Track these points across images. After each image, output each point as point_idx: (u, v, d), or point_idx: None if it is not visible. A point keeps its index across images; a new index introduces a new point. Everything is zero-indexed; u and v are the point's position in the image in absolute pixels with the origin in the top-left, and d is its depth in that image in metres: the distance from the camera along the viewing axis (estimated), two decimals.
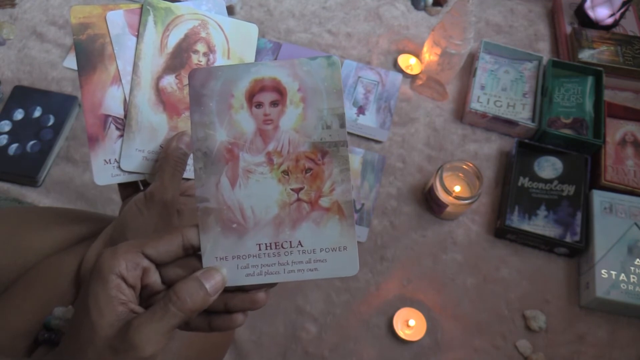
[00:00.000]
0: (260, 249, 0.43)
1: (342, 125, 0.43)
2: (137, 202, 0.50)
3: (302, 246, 0.43)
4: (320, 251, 0.43)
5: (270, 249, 0.43)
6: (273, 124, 0.43)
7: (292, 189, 0.43)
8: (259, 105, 0.43)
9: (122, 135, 0.54)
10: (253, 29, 0.58)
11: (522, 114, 1.15)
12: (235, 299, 0.42)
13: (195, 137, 0.43)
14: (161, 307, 0.38)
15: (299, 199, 0.43)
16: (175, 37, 0.55)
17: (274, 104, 0.43)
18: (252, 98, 0.43)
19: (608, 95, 1.21)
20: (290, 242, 0.43)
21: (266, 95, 0.43)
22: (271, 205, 0.43)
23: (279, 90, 0.43)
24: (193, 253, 0.42)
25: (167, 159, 0.52)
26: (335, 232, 0.43)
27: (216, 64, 0.56)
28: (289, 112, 0.43)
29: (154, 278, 0.41)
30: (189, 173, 0.55)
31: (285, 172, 0.43)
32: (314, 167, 0.43)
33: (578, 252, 1.00)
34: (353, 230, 0.43)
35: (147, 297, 0.41)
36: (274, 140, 0.43)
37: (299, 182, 0.43)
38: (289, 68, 0.43)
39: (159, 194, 0.50)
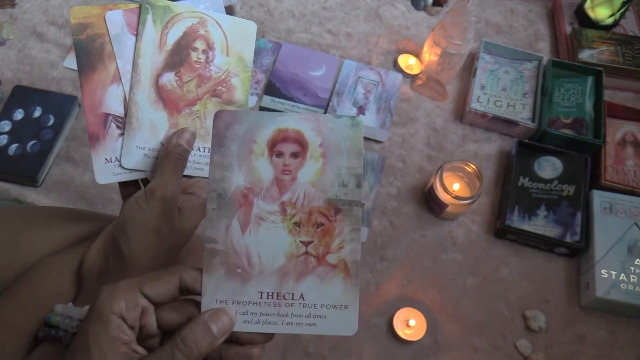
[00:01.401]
0: (261, 297, 0.43)
1: (359, 185, 0.44)
2: (137, 198, 0.50)
3: (303, 300, 0.43)
4: (321, 307, 0.43)
5: (272, 298, 0.43)
6: (291, 175, 0.43)
7: (301, 242, 0.43)
8: (280, 154, 0.44)
9: (122, 134, 0.54)
10: (251, 26, 0.58)
11: (522, 114, 1.15)
12: (230, 351, 0.42)
13: (213, 177, 0.43)
14: (167, 353, 0.38)
15: (307, 253, 0.43)
16: (174, 35, 0.55)
17: (294, 155, 0.44)
18: (273, 147, 0.44)
19: (608, 95, 1.21)
20: (293, 294, 0.43)
21: (288, 146, 0.44)
22: (279, 255, 0.43)
23: (301, 143, 0.44)
24: (189, 294, 0.42)
25: (167, 156, 0.52)
26: (339, 290, 0.43)
27: (215, 61, 0.56)
28: (308, 165, 0.44)
29: (151, 320, 0.40)
30: (189, 170, 0.55)
31: (297, 224, 0.43)
32: (326, 223, 0.43)
33: (578, 252, 1.00)
34: (356, 290, 0.43)
35: (141, 339, 0.40)
36: (289, 191, 0.43)
37: (309, 236, 0.43)
38: (313, 122, 0.44)
39: (160, 190, 0.50)
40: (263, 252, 0.43)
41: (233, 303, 0.42)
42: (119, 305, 0.38)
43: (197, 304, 0.42)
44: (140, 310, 0.39)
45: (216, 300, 0.42)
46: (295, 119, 0.44)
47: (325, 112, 1.13)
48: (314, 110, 1.13)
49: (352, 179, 0.44)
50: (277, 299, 0.43)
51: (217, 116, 0.43)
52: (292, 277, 0.43)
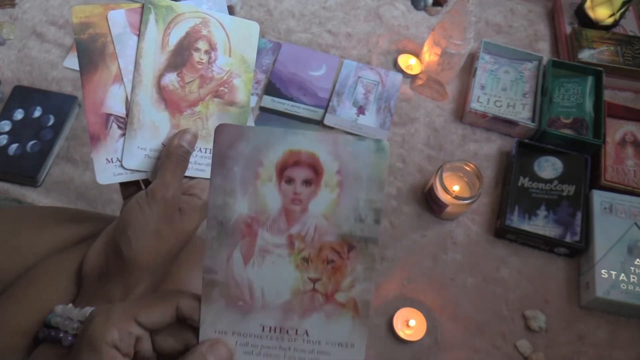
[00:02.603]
0: (263, 331, 0.40)
1: (377, 220, 0.39)
2: (138, 199, 0.50)
3: (307, 336, 0.40)
4: (326, 344, 0.41)
5: (274, 332, 0.40)
6: (302, 205, 0.39)
7: (309, 278, 0.40)
8: (290, 181, 0.39)
9: (124, 134, 0.54)
10: (254, 27, 0.58)
11: (522, 114, 1.15)
12: None
13: (213, 203, 0.39)
14: None
15: (314, 289, 0.40)
16: (176, 35, 0.55)
17: (306, 182, 0.39)
18: (283, 171, 0.39)
19: (608, 95, 1.21)
20: (297, 329, 0.40)
21: (300, 172, 0.39)
22: (284, 290, 0.40)
23: (316, 169, 0.39)
24: (185, 322, 0.40)
25: (169, 157, 0.52)
26: (346, 329, 0.41)
27: (217, 62, 0.56)
28: (321, 195, 0.39)
29: (146, 346, 0.39)
30: (190, 171, 0.55)
31: (305, 260, 0.39)
32: (338, 260, 0.39)
33: (578, 252, 1.00)
34: (365, 329, 0.41)
35: None
36: (299, 223, 0.39)
37: (318, 273, 0.40)
38: (331, 144, 0.38)
39: (161, 191, 0.50)
40: (267, 286, 0.40)
41: (233, 334, 0.40)
42: (112, 335, 0.37)
43: (195, 331, 0.40)
44: (135, 339, 0.38)
45: (215, 330, 0.39)
46: (310, 139, 0.38)
47: (325, 112, 1.13)
48: (313, 111, 1.13)
49: (370, 213, 0.39)
50: (280, 333, 0.40)
51: (217, 132, 0.38)
52: (297, 313, 0.40)
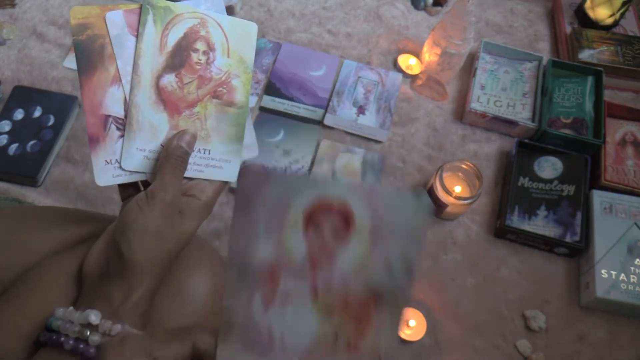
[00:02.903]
0: None
1: (408, 271, 0.36)
2: (138, 201, 0.50)
3: None
4: None
5: None
6: (329, 256, 0.37)
7: (332, 328, 0.37)
8: (318, 228, 0.36)
9: (122, 136, 0.54)
10: (252, 27, 0.58)
11: (522, 114, 1.15)
12: None
13: (235, 245, 0.37)
14: None
15: (336, 339, 0.38)
16: (174, 36, 0.55)
17: (336, 232, 0.36)
18: (311, 218, 0.36)
19: (608, 95, 1.21)
20: None
21: (329, 220, 0.36)
22: (304, 337, 0.38)
23: (346, 218, 0.36)
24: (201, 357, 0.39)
25: (168, 158, 0.52)
26: None
27: (216, 63, 0.56)
28: (352, 247, 0.36)
29: None
30: (189, 172, 0.55)
31: (330, 311, 0.37)
32: (363, 314, 0.37)
33: (578, 252, 1.00)
34: None
35: None
36: (325, 273, 0.37)
37: (342, 324, 0.37)
38: (365, 194, 0.36)
39: (160, 192, 0.50)
40: (287, 331, 0.38)
41: None
42: None
43: None
44: None
45: None
46: (342, 187, 0.36)
47: (325, 112, 1.13)
48: (313, 111, 1.13)
49: (402, 264, 0.36)
50: None
51: (242, 174, 0.37)
52: (317, 359, 0.38)
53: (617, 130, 1.13)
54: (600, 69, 1.18)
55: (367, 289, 0.37)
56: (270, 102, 1.13)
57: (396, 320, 0.37)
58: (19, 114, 1.04)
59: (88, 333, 0.46)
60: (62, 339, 0.47)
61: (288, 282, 0.37)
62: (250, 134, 0.58)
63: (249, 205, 0.37)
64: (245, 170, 0.37)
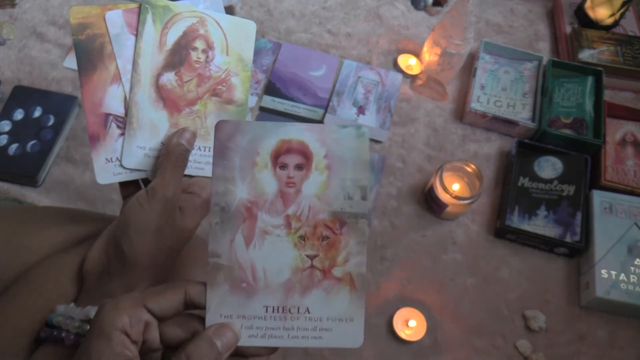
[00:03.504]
0: (267, 312, 0.42)
1: (364, 197, 0.43)
2: (139, 198, 0.50)
3: (309, 313, 0.42)
4: (327, 320, 0.43)
5: (277, 312, 0.42)
6: (295, 187, 0.42)
7: (307, 255, 0.42)
8: (284, 166, 0.42)
9: (123, 134, 0.54)
10: (251, 26, 0.58)
11: (522, 114, 1.15)
12: None
13: (215, 190, 0.42)
14: None
15: (312, 266, 0.42)
16: (174, 35, 0.55)
17: (298, 167, 0.42)
18: (277, 158, 0.42)
19: (608, 95, 1.21)
20: (298, 307, 0.42)
21: (292, 158, 0.42)
22: (284, 269, 0.42)
23: (306, 154, 0.42)
24: (194, 308, 0.41)
25: (168, 156, 0.52)
26: (344, 303, 0.43)
27: (215, 61, 0.56)
28: (312, 177, 0.42)
29: (154, 335, 0.40)
30: (190, 169, 0.55)
31: (302, 238, 0.42)
32: (332, 236, 0.42)
33: (578, 252, 1.00)
34: (362, 303, 0.43)
35: (143, 354, 0.40)
36: (294, 204, 0.42)
37: (315, 250, 0.42)
38: (318, 133, 0.43)
39: (161, 190, 0.50)
40: (268, 266, 0.42)
41: (238, 317, 0.42)
42: (122, 321, 0.38)
43: (201, 319, 0.41)
44: (144, 325, 0.39)
45: (221, 315, 0.41)
46: (299, 129, 0.42)
47: (325, 112, 1.13)
48: (313, 111, 1.13)
49: (357, 191, 0.43)
50: (283, 312, 0.42)
51: (218, 127, 0.42)
52: (298, 291, 0.42)
53: (617, 130, 1.13)
54: (600, 69, 1.18)
55: (332, 214, 0.42)
56: (270, 102, 1.13)
57: (362, 245, 0.43)
58: (19, 114, 1.04)
59: (88, 328, 0.46)
60: (63, 334, 0.47)
61: (264, 217, 0.42)
62: None
63: (224, 153, 0.42)
64: (219, 124, 0.42)
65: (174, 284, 0.41)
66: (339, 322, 0.43)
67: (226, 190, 0.42)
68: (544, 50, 1.31)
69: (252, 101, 1.14)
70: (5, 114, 1.04)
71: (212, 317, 0.41)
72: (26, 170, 0.99)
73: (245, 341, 0.41)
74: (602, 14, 1.28)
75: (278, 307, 0.42)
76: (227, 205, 0.42)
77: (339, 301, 0.43)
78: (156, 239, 0.50)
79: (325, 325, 0.43)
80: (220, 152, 0.42)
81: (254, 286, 0.42)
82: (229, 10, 1.23)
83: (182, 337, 0.41)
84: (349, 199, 0.43)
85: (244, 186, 0.42)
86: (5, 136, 1.01)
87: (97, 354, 0.37)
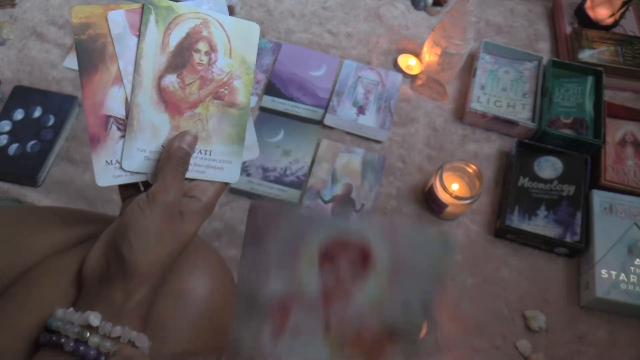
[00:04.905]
0: None
1: (428, 312, 0.36)
2: (139, 202, 0.50)
3: None
4: None
5: None
6: (345, 292, 0.35)
7: None
8: (334, 264, 0.35)
9: (123, 136, 0.54)
10: (254, 28, 0.58)
11: (522, 114, 1.15)
12: None
13: (245, 278, 0.37)
14: None
15: None
16: (176, 36, 0.54)
17: (353, 269, 0.35)
18: (326, 254, 0.36)
19: (608, 95, 1.21)
20: None
21: (346, 256, 0.36)
22: None
23: (365, 255, 0.36)
24: None
25: (169, 159, 0.52)
26: None
27: (218, 63, 0.56)
28: (369, 284, 0.35)
29: None
30: (190, 173, 0.55)
31: (342, 345, 0.36)
32: (376, 350, 0.37)
33: (578, 252, 1.00)
34: None
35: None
36: (339, 310, 0.36)
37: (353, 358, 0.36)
38: (385, 233, 0.35)
39: (162, 194, 0.50)
40: None
41: None
42: None
43: None
44: None
45: None
46: (360, 224, 0.36)
47: (325, 112, 1.12)
48: (313, 111, 1.13)
49: (422, 304, 0.36)
50: None
51: (253, 210, 0.36)
52: None
53: (617, 130, 1.13)
54: (600, 69, 1.18)
55: (382, 325, 0.36)
56: (270, 102, 1.13)
57: (413, 355, 0.37)
58: (19, 114, 1.04)
59: (88, 335, 0.46)
60: (62, 340, 0.47)
61: (299, 316, 0.36)
62: (251, 135, 0.58)
63: (259, 239, 0.36)
64: (255, 205, 0.36)
65: None
66: None
67: (257, 282, 0.36)
68: (544, 50, 1.31)
69: (252, 101, 1.14)
70: (5, 114, 1.04)
71: None
72: (26, 170, 0.99)
73: None
74: (602, 14, 1.28)
75: None
76: (256, 296, 0.36)
77: None
78: (156, 244, 0.50)
79: None
80: (254, 240, 0.36)
81: None
82: (229, 10, 1.22)
83: None
84: (407, 311, 0.36)
85: (280, 280, 0.36)
86: (5, 136, 1.01)
87: None
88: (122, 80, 0.54)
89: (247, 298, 0.37)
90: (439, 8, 1.34)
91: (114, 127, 0.54)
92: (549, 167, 1.07)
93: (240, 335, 0.37)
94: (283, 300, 0.36)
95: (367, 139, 1.12)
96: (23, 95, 1.07)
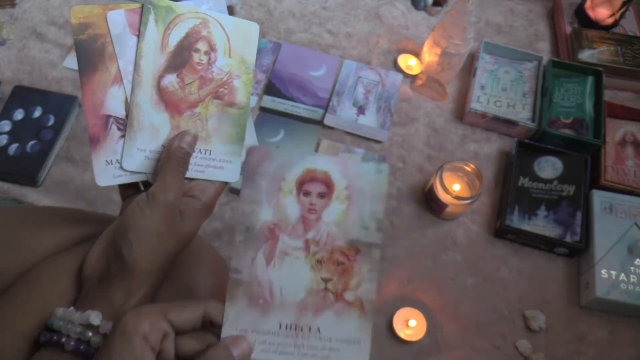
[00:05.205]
0: (280, 328, 0.45)
1: (379, 228, 0.46)
2: (139, 202, 0.50)
3: (320, 333, 0.45)
4: (336, 341, 0.45)
5: (290, 330, 0.45)
6: (317, 214, 0.46)
7: (322, 278, 0.46)
8: (307, 194, 0.46)
9: (123, 136, 0.54)
10: (254, 28, 0.58)
11: (522, 114, 1.15)
12: None
13: (242, 210, 0.45)
14: None
15: (326, 289, 0.45)
16: (176, 36, 0.55)
17: (320, 195, 0.46)
18: (301, 186, 0.46)
19: (608, 95, 1.21)
20: (310, 327, 0.45)
21: (315, 186, 0.46)
22: (300, 289, 0.45)
23: (328, 184, 0.46)
24: (210, 326, 0.44)
25: (169, 159, 0.52)
26: (354, 326, 0.46)
27: (217, 63, 0.56)
28: (333, 206, 0.46)
29: (170, 346, 0.42)
30: (190, 172, 0.55)
31: (319, 261, 0.46)
32: (346, 262, 0.46)
33: (578, 252, 1.00)
34: (370, 326, 0.46)
35: None
36: (314, 229, 0.46)
37: (330, 273, 0.46)
38: (341, 165, 0.46)
39: (162, 194, 0.50)
40: (285, 285, 0.45)
41: (252, 332, 0.44)
42: (143, 327, 0.40)
43: (217, 335, 0.43)
44: (162, 334, 0.41)
45: (237, 328, 0.44)
46: (324, 160, 0.46)
47: (325, 112, 1.13)
48: (313, 111, 1.13)
49: (373, 222, 0.46)
50: (295, 330, 0.45)
51: (249, 152, 0.45)
52: (311, 311, 0.45)
53: (617, 130, 1.13)
54: (600, 69, 1.18)
55: (348, 242, 0.46)
56: (270, 102, 1.13)
57: (373, 272, 0.46)
58: (19, 114, 1.04)
59: (90, 334, 0.46)
60: (63, 339, 0.47)
61: (285, 239, 0.45)
62: (251, 135, 0.58)
63: (253, 176, 0.45)
64: (250, 150, 0.46)
65: (196, 300, 0.44)
66: (347, 344, 0.45)
67: (252, 211, 0.45)
68: (544, 50, 1.31)
69: (252, 101, 1.14)
70: (5, 114, 1.04)
71: (228, 330, 0.44)
72: (26, 170, 0.99)
73: (258, 354, 0.44)
74: (602, 14, 1.28)
75: (291, 325, 0.45)
76: (251, 225, 0.45)
77: (349, 324, 0.45)
78: (156, 244, 0.50)
79: (334, 345, 0.45)
80: (249, 175, 0.46)
81: (271, 303, 0.45)
82: (229, 10, 1.22)
83: (197, 349, 0.43)
84: (365, 229, 0.46)
85: (269, 209, 0.46)
86: (5, 136, 1.01)
87: (118, 355, 0.39)
88: (121, 80, 0.54)
89: (244, 229, 0.45)
90: (439, 8, 1.34)
91: (114, 127, 0.54)
92: (549, 167, 1.07)
93: (239, 265, 0.45)
94: (272, 226, 0.46)
95: (367, 139, 1.12)
96: (23, 95, 1.07)
